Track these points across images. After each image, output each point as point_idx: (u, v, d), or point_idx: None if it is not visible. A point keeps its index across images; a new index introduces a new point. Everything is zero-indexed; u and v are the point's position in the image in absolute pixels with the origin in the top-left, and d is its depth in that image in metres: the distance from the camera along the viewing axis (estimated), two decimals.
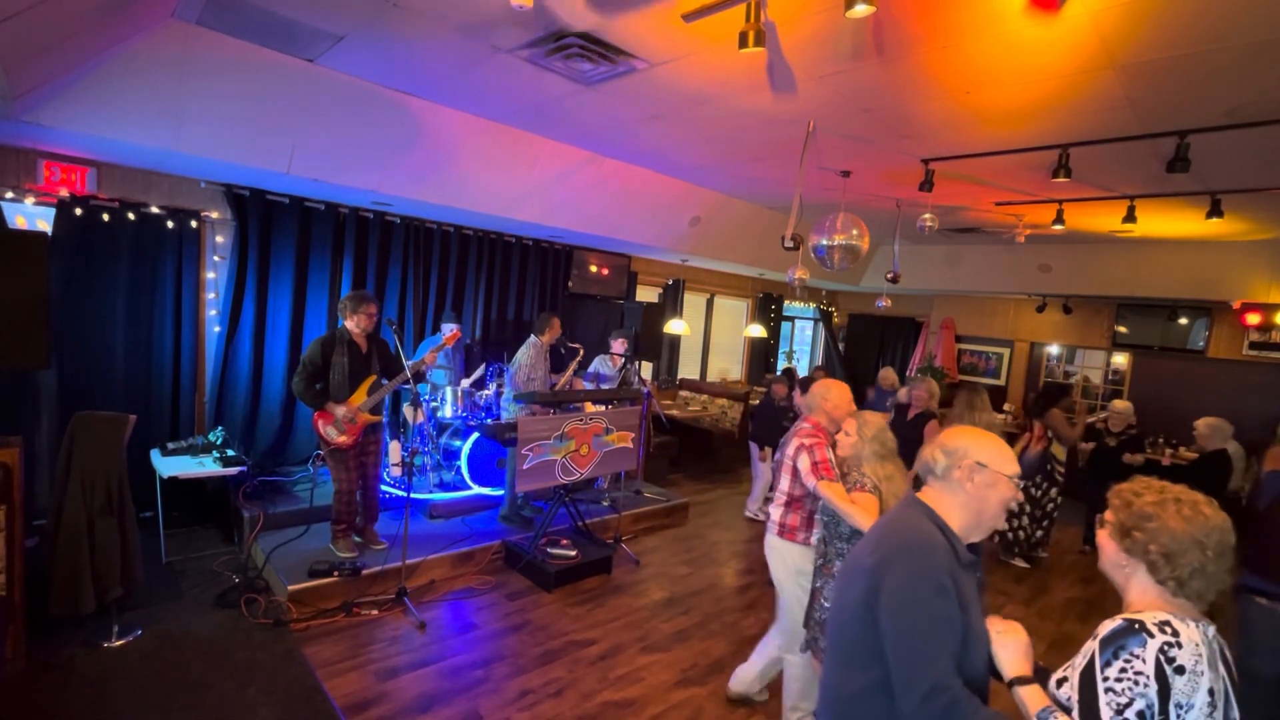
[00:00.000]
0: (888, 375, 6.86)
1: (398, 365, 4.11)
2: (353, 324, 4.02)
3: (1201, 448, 5.04)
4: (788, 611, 2.95)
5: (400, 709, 2.96)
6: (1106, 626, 1.27)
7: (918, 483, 1.66)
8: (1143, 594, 1.32)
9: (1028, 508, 5.50)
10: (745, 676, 3.21)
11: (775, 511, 3.00)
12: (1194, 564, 1.25)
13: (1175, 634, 1.21)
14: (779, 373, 6.81)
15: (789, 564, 2.94)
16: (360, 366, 4.05)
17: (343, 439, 3.99)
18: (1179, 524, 1.27)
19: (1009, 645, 1.42)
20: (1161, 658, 1.19)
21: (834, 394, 2.99)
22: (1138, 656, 1.20)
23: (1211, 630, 1.28)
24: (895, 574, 1.42)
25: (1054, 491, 5.51)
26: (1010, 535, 5.53)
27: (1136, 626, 1.23)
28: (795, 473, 2.88)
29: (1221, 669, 1.25)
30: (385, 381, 4.12)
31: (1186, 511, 1.28)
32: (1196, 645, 1.21)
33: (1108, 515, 1.39)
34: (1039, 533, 5.54)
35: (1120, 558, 1.34)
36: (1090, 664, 1.25)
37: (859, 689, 1.47)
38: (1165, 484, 1.34)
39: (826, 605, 2.59)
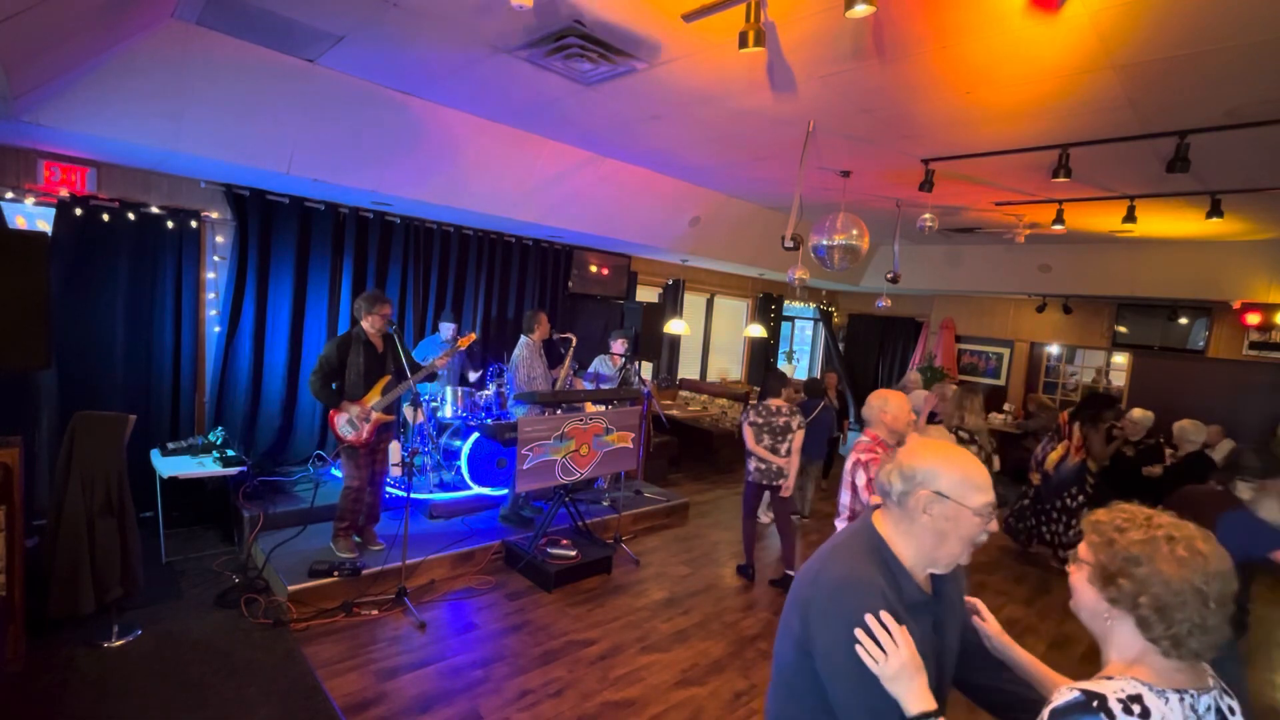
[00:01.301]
0: (914, 380, 6.78)
1: (411, 366, 4.13)
2: (368, 324, 4.04)
3: (1176, 450, 5.06)
4: None
5: (400, 709, 2.96)
6: (1061, 697, 1.06)
7: None
8: (1125, 652, 1.11)
9: (1063, 517, 5.40)
10: None
11: (839, 525, 3.02)
12: (1193, 619, 1.02)
13: (1145, 714, 1.01)
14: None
15: None
16: (375, 366, 4.07)
17: (357, 437, 4.01)
18: (1173, 569, 1.04)
19: (898, 674, 1.19)
20: None
21: (893, 405, 2.94)
22: None
23: (1206, 700, 1.06)
24: (821, 620, 1.28)
25: (1083, 500, 5.38)
26: (1057, 540, 5.44)
27: (1095, 704, 1.02)
28: (853, 488, 2.87)
29: None
30: (399, 382, 4.12)
31: (1181, 552, 1.04)
32: None
33: (1083, 552, 1.17)
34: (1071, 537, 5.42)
35: (1102, 607, 1.12)
36: None
37: (796, 715, 1.37)
38: (1151, 514, 1.13)
39: None
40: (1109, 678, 1.08)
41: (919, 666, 1.20)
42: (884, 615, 1.22)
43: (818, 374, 11.28)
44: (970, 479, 1.28)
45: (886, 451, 2.91)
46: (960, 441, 4.41)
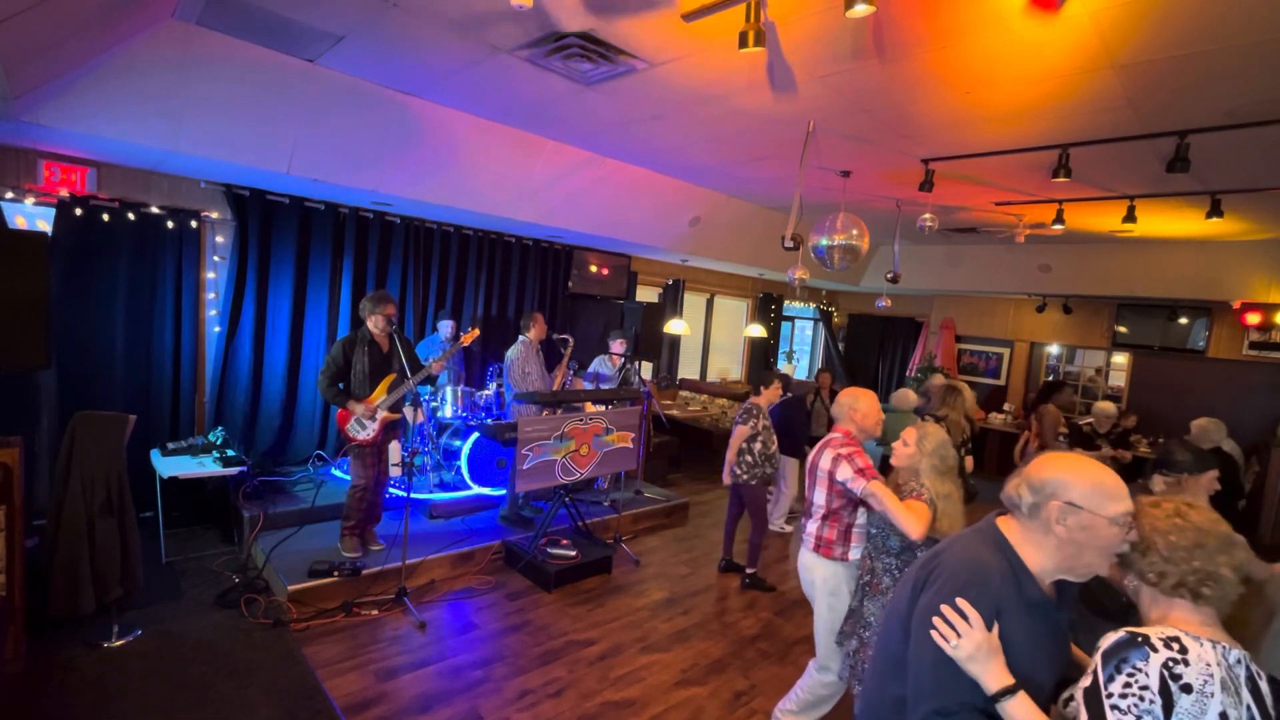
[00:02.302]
0: (940, 383, 6.73)
1: (414, 366, 4.13)
2: (372, 324, 4.04)
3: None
4: (817, 631, 2.85)
5: (400, 709, 2.96)
6: (1109, 639, 1.21)
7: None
8: (1152, 608, 1.29)
9: None
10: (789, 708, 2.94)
11: (811, 525, 2.87)
12: (1163, 554, 1.25)
13: (1183, 650, 1.15)
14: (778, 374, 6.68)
15: (821, 582, 2.82)
16: (381, 365, 4.08)
17: (365, 436, 4.02)
18: (1148, 520, 1.29)
19: (973, 655, 1.25)
20: (1166, 673, 1.13)
21: (863, 404, 2.88)
22: (1140, 670, 1.14)
23: (1236, 654, 1.19)
24: (935, 590, 1.32)
25: None
26: None
27: (1139, 640, 1.17)
28: (831, 485, 2.74)
29: (1247, 696, 1.15)
30: (404, 380, 4.12)
31: (1157, 510, 1.30)
32: (1208, 665, 1.14)
33: None
34: None
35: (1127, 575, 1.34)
36: (1095, 682, 1.19)
37: (893, 700, 1.40)
38: (1173, 499, 1.34)
39: (874, 623, 2.49)
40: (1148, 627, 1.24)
41: (995, 649, 1.24)
42: (961, 601, 1.26)
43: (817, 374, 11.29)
44: (1103, 487, 1.26)
45: (860, 449, 2.81)
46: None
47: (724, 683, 3.42)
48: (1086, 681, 1.21)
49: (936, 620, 1.27)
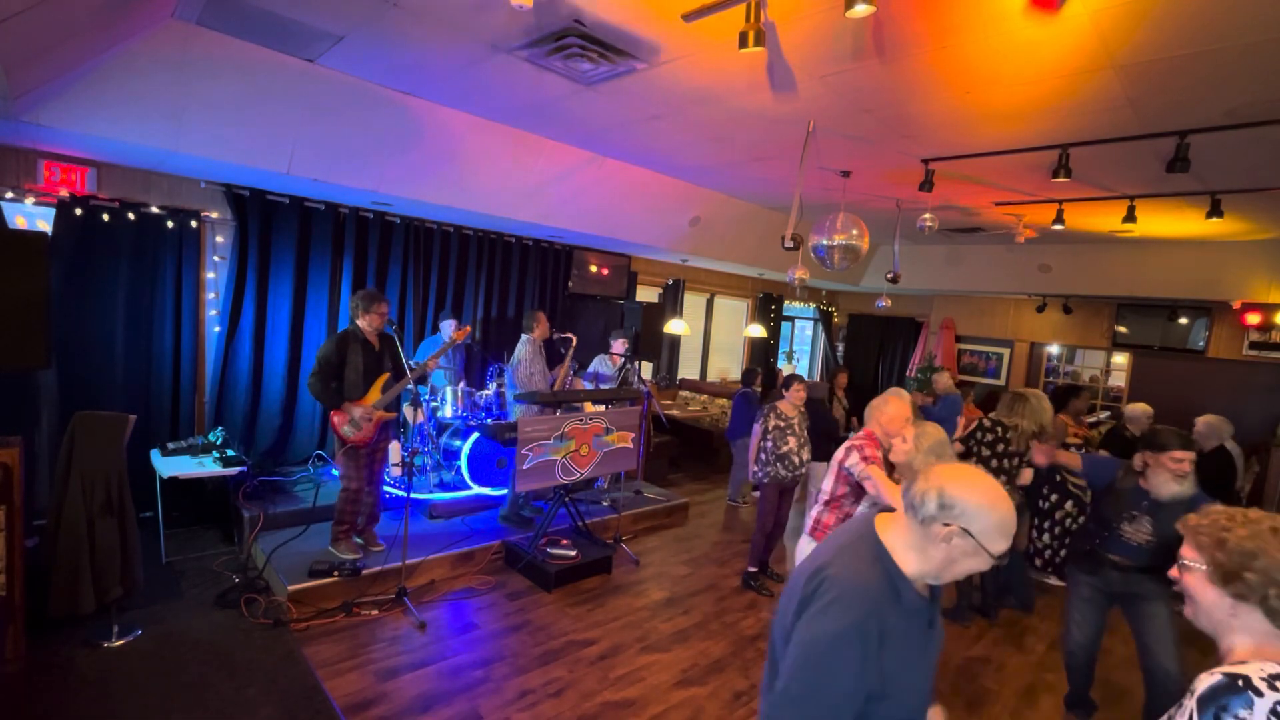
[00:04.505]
0: (941, 380, 6.61)
1: (403, 365, 4.12)
2: (364, 322, 4.01)
3: (1200, 447, 4.80)
4: None
5: (400, 709, 2.96)
6: (1204, 682, 1.09)
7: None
8: (1251, 639, 1.15)
9: (1036, 520, 4.96)
10: None
11: (813, 510, 3.07)
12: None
13: None
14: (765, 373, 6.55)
15: None
16: (374, 364, 4.05)
17: (360, 436, 3.99)
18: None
19: None
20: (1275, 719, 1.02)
21: (890, 408, 3.02)
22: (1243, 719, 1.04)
23: None
24: (816, 606, 1.32)
25: (1069, 504, 4.84)
26: (1030, 548, 4.96)
27: (1240, 683, 1.06)
28: (839, 473, 2.98)
29: None
30: (400, 379, 4.10)
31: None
32: None
33: (1189, 554, 1.23)
34: (1056, 552, 4.91)
35: (1225, 604, 1.17)
36: None
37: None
38: (1245, 511, 1.20)
39: None
40: (1242, 662, 1.11)
41: None
42: None
43: (817, 375, 11.29)
44: (1002, 527, 1.28)
45: (879, 445, 2.95)
46: (982, 430, 4.18)
47: (724, 683, 3.42)
48: None
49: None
